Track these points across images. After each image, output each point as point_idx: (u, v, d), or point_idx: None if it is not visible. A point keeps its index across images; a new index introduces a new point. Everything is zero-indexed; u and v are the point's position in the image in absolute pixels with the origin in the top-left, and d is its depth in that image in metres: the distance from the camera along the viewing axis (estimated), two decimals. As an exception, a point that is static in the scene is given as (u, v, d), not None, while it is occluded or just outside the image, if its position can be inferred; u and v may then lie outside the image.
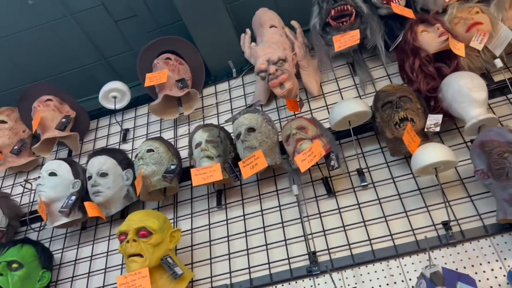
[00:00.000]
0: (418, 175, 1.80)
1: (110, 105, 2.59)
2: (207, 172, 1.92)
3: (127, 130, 2.62)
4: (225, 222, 2.04)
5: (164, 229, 1.80)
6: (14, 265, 1.90)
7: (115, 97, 2.56)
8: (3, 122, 2.60)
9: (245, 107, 2.46)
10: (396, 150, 1.86)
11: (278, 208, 1.99)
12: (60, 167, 2.15)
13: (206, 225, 2.06)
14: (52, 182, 2.09)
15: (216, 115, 2.51)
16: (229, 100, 2.55)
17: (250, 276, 1.82)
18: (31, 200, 2.36)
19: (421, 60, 1.97)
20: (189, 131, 2.48)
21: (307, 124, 1.94)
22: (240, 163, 1.92)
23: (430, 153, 1.65)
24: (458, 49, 1.93)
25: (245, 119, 2.01)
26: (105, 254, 2.11)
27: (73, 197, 2.06)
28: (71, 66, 2.80)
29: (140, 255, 1.68)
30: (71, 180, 2.14)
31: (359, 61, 2.32)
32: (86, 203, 2.01)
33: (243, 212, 2.04)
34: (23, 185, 2.38)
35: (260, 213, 2.01)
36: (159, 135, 2.50)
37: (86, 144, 2.67)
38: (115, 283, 1.96)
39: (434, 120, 1.81)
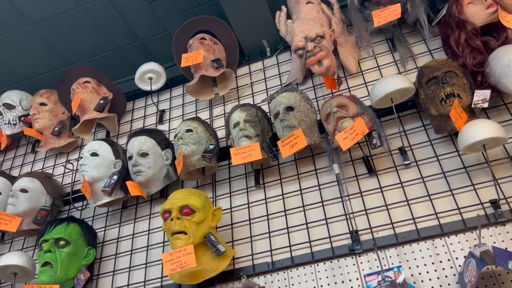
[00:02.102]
0: (465, 153, 1.75)
1: (145, 87, 2.60)
2: (246, 151, 1.92)
3: (163, 111, 2.65)
4: (264, 201, 2.04)
5: (206, 207, 1.82)
6: (62, 242, 1.97)
7: (150, 79, 2.58)
8: (43, 104, 2.66)
9: (280, 86, 2.44)
10: (441, 127, 1.81)
11: (317, 187, 1.98)
12: (101, 147, 2.19)
13: (245, 204, 2.07)
14: (94, 162, 2.13)
15: (251, 95, 2.49)
16: (264, 80, 2.53)
17: (291, 254, 1.83)
18: (73, 180, 2.42)
19: (467, 33, 1.89)
20: (225, 112, 2.48)
21: (348, 101, 1.91)
22: (279, 142, 1.91)
23: (479, 130, 1.59)
24: (508, 21, 1.83)
25: (284, 98, 1.99)
26: (147, 232, 2.16)
27: (115, 177, 2.10)
28: (106, 49, 2.82)
29: (184, 233, 1.71)
30: (112, 160, 2.18)
31: (399, 37, 2.25)
32: (128, 182, 2.05)
33: (282, 191, 2.03)
34: (65, 166, 2.45)
35: (299, 192, 2.00)
36: (195, 115, 2.51)
37: (123, 126, 2.71)
38: (157, 260, 2.03)
39: (481, 96, 1.74)
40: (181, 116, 2.58)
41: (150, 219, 2.20)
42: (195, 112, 2.56)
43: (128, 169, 2.17)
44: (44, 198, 2.31)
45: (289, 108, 1.95)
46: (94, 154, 2.16)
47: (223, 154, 2.22)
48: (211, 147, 2.07)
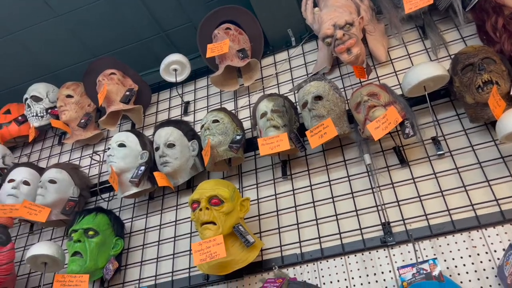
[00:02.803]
0: (503, 142, 1.68)
1: (170, 78, 2.60)
2: (274, 141, 1.89)
3: (187, 102, 2.64)
4: (291, 192, 2.01)
5: (234, 197, 1.80)
6: (91, 232, 1.98)
7: (175, 70, 2.57)
8: (70, 96, 2.68)
9: (306, 76, 2.40)
10: (477, 116, 1.75)
11: (347, 179, 1.94)
12: (128, 138, 2.19)
13: (272, 195, 2.04)
14: (122, 153, 2.14)
15: (276, 86, 2.46)
16: (289, 70, 2.49)
17: (320, 246, 1.80)
18: (100, 171, 2.44)
19: (505, 18, 1.82)
20: (250, 103, 2.46)
21: (379, 90, 1.86)
22: (307, 133, 1.87)
23: (519, 118, 1.53)
24: (548, 4, 1.76)
25: (312, 87, 1.95)
26: (174, 223, 2.16)
27: (142, 168, 2.10)
28: (130, 41, 2.82)
29: (213, 223, 1.69)
30: (139, 151, 2.19)
31: (430, 24, 2.18)
32: (155, 173, 2.05)
33: (310, 183, 2.00)
34: (92, 157, 2.46)
35: (327, 183, 1.97)
36: (220, 106, 2.49)
37: (148, 117, 2.71)
38: (185, 251, 2.03)
39: (521, 83, 1.67)
40: (206, 108, 2.57)
41: (177, 210, 2.20)
42: (219, 104, 2.54)
43: (155, 160, 2.17)
44: (72, 189, 2.34)
45: (318, 97, 1.91)
46: (122, 145, 2.16)
47: (249, 145, 2.20)
48: (238, 137, 2.05)
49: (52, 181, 2.27)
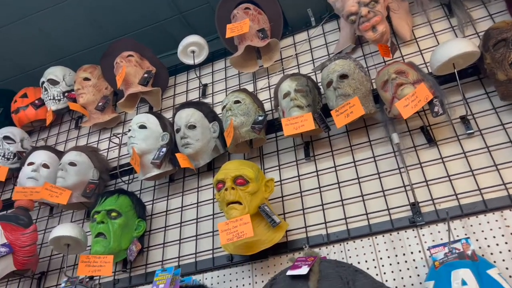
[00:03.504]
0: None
1: (188, 60, 2.56)
2: (298, 121, 1.86)
3: (205, 85, 2.60)
4: (315, 174, 1.98)
5: (259, 178, 1.78)
6: (113, 214, 1.97)
7: (193, 52, 2.53)
8: (87, 79, 2.66)
9: (327, 57, 2.35)
10: (509, 94, 1.70)
11: (372, 159, 1.90)
12: (149, 120, 2.17)
13: (295, 177, 2.02)
14: (143, 135, 2.12)
15: (297, 66, 2.42)
16: (310, 50, 2.44)
17: (347, 226, 1.77)
18: (119, 154, 2.42)
19: (538, -8, 1.76)
20: (269, 84, 2.42)
21: (406, 68, 1.81)
22: (333, 112, 1.84)
23: (556, 94, 1.48)
24: None
25: (337, 65, 1.91)
26: (195, 205, 2.14)
27: (164, 149, 2.08)
28: (147, 23, 2.79)
29: (239, 203, 1.67)
30: (160, 133, 2.17)
31: (457, 1, 2.12)
32: (177, 154, 2.03)
33: (334, 163, 1.97)
34: (111, 139, 2.45)
35: (352, 164, 1.93)
36: (239, 87, 2.45)
37: (166, 100, 2.68)
38: (207, 232, 2.02)
39: (555, 59, 1.62)
40: (224, 90, 2.53)
41: (198, 192, 2.18)
42: (238, 86, 2.51)
43: (176, 142, 2.14)
44: (92, 172, 2.33)
45: (344, 76, 1.87)
46: (142, 127, 2.14)
47: (269, 126, 2.17)
48: (260, 118, 2.02)
49: (72, 164, 2.26)
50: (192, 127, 2.08)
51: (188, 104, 2.17)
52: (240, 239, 1.59)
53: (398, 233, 1.68)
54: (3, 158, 2.59)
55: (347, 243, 1.74)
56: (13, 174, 2.68)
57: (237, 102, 2.06)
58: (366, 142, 1.97)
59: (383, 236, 1.70)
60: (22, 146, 2.68)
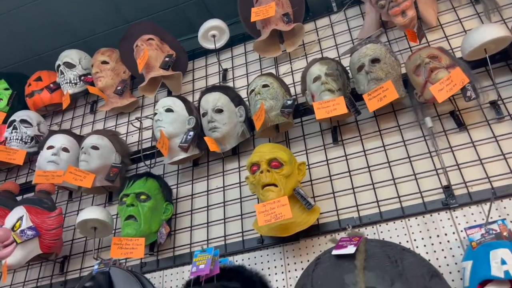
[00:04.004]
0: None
1: (208, 45, 2.54)
2: (330, 105, 1.87)
3: (225, 70, 2.59)
4: (343, 158, 2.00)
5: (292, 161, 1.79)
6: (143, 197, 1.97)
7: (214, 36, 2.51)
8: (106, 62, 2.62)
9: (350, 42, 2.36)
10: (541, 79, 1.72)
11: (402, 143, 1.92)
12: (175, 104, 2.16)
13: (323, 161, 2.03)
14: (170, 118, 2.10)
15: (320, 51, 2.42)
16: (332, 36, 2.44)
17: (379, 209, 1.79)
18: (141, 138, 2.41)
19: None
20: (292, 69, 2.42)
21: (439, 52, 1.82)
22: (365, 96, 1.85)
23: None
24: None
25: (368, 49, 1.91)
26: (222, 188, 2.14)
27: (191, 133, 2.08)
28: (165, 6, 2.75)
29: (275, 185, 1.68)
30: (186, 116, 2.15)
31: (483, -13, 2.13)
32: (206, 138, 2.03)
33: (363, 148, 1.99)
34: (133, 123, 2.43)
35: (382, 148, 1.95)
36: (262, 72, 2.45)
37: (185, 85, 2.66)
38: (236, 215, 2.03)
39: None
40: (245, 75, 2.52)
41: (224, 176, 2.19)
42: (260, 71, 2.50)
43: (202, 126, 2.14)
44: (114, 156, 2.31)
45: (376, 60, 1.88)
46: (169, 110, 2.13)
47: (295, 111, 2.17)
48: (289, 102, 2.02)
49: (95, 147, 2.24)
50: (219, 111, 2.07)
51: (213, 88, 2.16)
52: (278, 220, 1.60)
53: (431, 215, 1.71)
54: (20, 142, 2.55)
55: (380, 226, 1.76)
56: (29, 159, 2.65)
57: (265, 86, 2.05)
58: (395, 127, 1.98)
59: (416, 218, 1.72)
60: (39, 130, 2.65)
